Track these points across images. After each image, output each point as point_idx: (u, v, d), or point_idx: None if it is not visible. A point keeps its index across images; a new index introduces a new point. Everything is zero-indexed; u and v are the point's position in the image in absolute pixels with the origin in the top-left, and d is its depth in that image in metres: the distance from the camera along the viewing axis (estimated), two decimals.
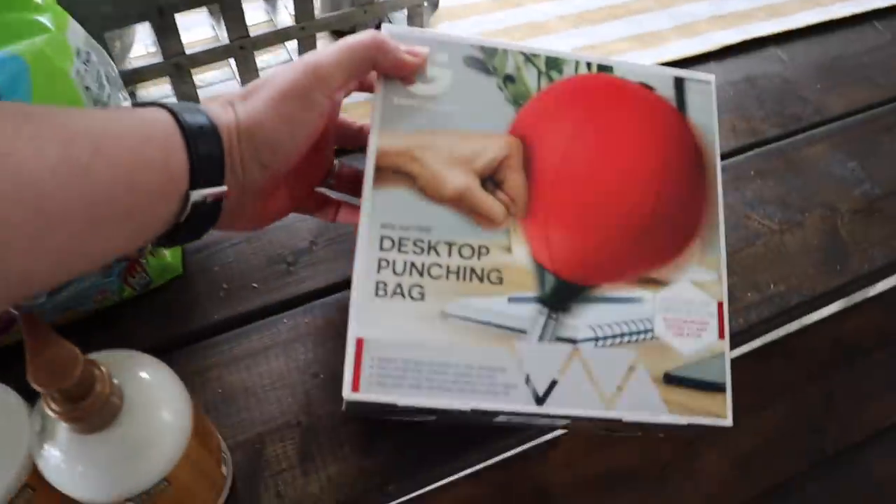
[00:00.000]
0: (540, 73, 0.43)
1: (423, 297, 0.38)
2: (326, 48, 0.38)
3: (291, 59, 0.67)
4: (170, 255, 0.48)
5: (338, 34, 0.69)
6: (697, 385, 0.39)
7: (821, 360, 0.54)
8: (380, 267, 0.38)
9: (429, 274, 0.38)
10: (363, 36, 0.39)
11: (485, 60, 0.42)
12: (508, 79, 0.42)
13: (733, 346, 0.53)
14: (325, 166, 0.46)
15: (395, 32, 0.42)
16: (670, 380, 0.39)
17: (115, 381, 0.31)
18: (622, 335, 0.39)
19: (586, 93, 0.43)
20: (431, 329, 0.37)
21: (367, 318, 0.37)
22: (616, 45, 0.72)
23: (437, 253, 0.38)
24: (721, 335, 0.40)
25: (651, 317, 0.39)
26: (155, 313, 0.49)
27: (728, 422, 0.39)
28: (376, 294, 0.37)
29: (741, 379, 0.52)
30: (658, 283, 0.40)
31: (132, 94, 0.62)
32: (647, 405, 0.38)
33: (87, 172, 0.28)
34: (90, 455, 0.31)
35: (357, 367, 0.36)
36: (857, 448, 0.53)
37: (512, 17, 0.73)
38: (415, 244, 0.38)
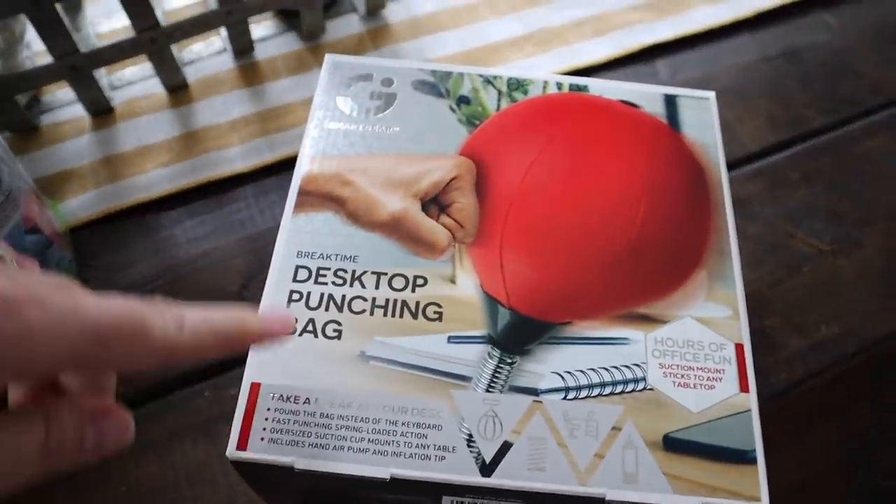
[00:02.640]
0: (500, 93, 0.37)
1: (339, 335, 0.30)
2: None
3: (226, 49, 0.55)
4: None
5: (283, 13, 0.56)
6: (713, 453, 0.28)
7: (872, 377, 0.42)
8: (290, 300, 0.31)
9: (349, 308, 0.31)
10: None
11: (436, 83, 0.38)
12: (462, 100, 0.37)
13: (774, 408, 0.41)
14: None
15: (338, 62, 0.38)
16: (673, 445, 0.28)
17: None
18: (602, 385, 0.29)
19: (554, 109, 0.36)
20: (346, 374, 0.29)
21: (266, 359, 0.29)
22: (627, 16, 0.58)
23: (363, 284, 0.31)
24: (744, 387, 0.30)
25: (642, 362, 0.30)
26: None
27: None
28: None
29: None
30: (651, 321, 0.31)
31: (36, 100, 0.51)
32: (641, 480, 0.27)
33: None
34: None
35: (248, 419, 0.28)
36: None
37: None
38: (335, 275, 0.31)
